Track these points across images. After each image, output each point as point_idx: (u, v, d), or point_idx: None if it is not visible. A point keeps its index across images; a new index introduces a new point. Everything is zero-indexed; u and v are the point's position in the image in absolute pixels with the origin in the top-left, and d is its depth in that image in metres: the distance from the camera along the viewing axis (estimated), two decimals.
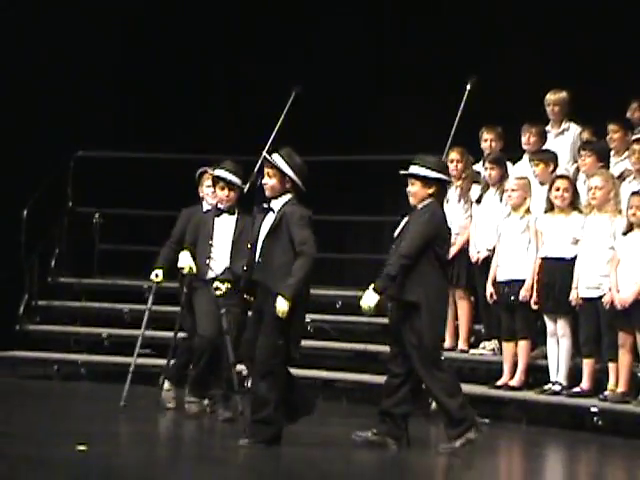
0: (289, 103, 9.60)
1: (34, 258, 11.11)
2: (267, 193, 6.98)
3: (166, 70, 12.39)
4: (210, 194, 8.41)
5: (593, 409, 8.18)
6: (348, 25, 11.78)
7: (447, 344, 9.25)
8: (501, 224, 8.91)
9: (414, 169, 7.21)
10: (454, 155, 9.20)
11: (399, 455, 7.08)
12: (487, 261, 9.06)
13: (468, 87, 8.74)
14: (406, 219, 7.26)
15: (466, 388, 8.99)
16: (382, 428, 7.18)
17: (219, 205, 8.28)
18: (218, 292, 7.98)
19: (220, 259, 8.24)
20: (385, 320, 10.30)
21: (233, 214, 8.26)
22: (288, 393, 7.00)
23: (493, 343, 9.20)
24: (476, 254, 9.18)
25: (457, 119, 8.63)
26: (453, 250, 9.22)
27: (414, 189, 7.19)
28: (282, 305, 6.75)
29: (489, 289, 8.87)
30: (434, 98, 10.78)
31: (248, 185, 8.91)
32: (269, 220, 6.99)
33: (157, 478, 6.17)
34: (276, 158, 6.99)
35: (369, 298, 7.01)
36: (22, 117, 11.75)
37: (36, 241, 11.11)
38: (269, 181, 6.97)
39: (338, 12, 11.78)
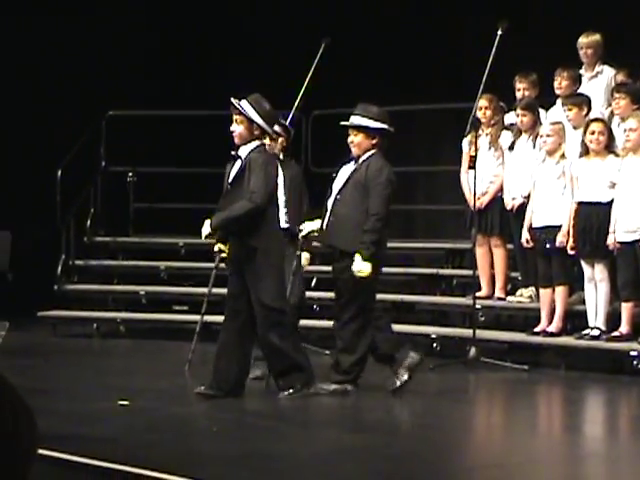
0: (319, 55, 9.51)
1: (70, 218, 11.15)
2: (235, 140, 6.82)
3: (195, 25, 12.35)
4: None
5: (632, 353, 8.14)
6: None
7: (484, 292, 9.24)
8: (536, 170, 8.84)
9: (357, 119, 7.15)
10: (482, 102, 9.11)
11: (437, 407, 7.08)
12: (522, 208, 9.00)
13: (499, 32, 8.61)
14: (350, 169, 7.14)
15: (504, 335, 9.04)
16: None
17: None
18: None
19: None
20: (421, 270, 10.42)
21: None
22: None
23: (530, 290, 9.16)
24: (511, 201, 9.13)
25: (488, 66, 8.52)
26: (486, 198, 9.18)
27: (357, 140, 7.12)
28: (205, 228, 6.79)
29: (525, 235, 8.82)
30: (465, 45, 10.69)
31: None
32: (235, 168, 6.88)
33: (199, 432, 6.22)
34: (244, 104, 6.81)
35: (364, 267, 6.93)
36: (53, 79, 11.78)
37: (71, 201, 11.15)
38: (237, 128, 6.80)
39: None
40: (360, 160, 7.16)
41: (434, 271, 10.22)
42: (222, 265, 7.37)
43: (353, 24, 11.52)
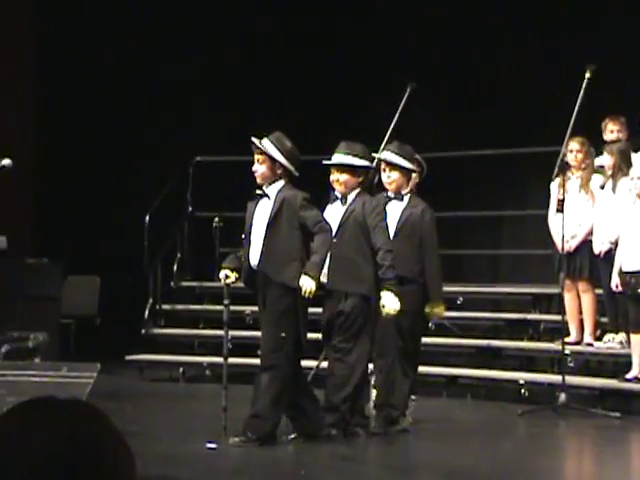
0: (404, 99, 9.50)
1: (157, 263, 11.25)
2: (258, 180, 6.65)
3: (281, 74, 12.44)
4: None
5: None
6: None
7: (573, 337, 9.07)
8: (626, 213, 8.68)
9: (343, 158, 7.03)
10: (574, 145, 9.00)
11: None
12: (611, 252, 8.84)
13: (587, 76, 8.52)
14: (339, 209, 7.00)
15: (595, 382, 8.85)
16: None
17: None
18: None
19: None
20: (508, 315, 10.28)
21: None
22: (300, 396, 6.68)
23: (620, 335, 8.97)
24: (600, 245, 8.97)
25: (576, 108, 8.43)
26: (576, 242, 9.04)
27: (343, 178, 6.97)
28: (309, 284, 6.38)
29: (615, 280, 8.65)
30: (550, 88, 10.61)
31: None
32: (265, 207, 6.65)
33: (286, 476, 6.16)
34: (265, 143, 6.66)
35: (393, 302, 6.78)
36: (143, 126, 11.96)
37: (158, 246, 11.26)
38: (259, 168, 6.64)
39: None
40: (349, 199, 7.03)
41: (521, 316, 10.08)
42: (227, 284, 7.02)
43: (437, 67, 11.50)
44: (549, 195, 9.21)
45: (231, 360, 10.58)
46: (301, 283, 6.47)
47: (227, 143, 11.80)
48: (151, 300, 11.22)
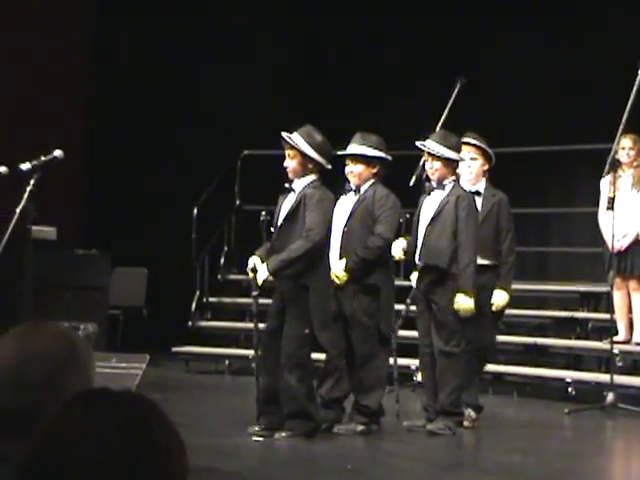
0: (454, 94, 9.44)
1: (204, 256, 11.28)
2: (290, 175, 6.58)
3: (328, 68, 12.43)
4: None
5: None
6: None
7: (621, 336, 8.97)
8: None
9: (357, 149, 6.96)
10: (626, 142, 8.89)
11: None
12: None
13: None
14: (351, 200, 6.97)
15: None
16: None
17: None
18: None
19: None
20: (556, 313, 10.19)
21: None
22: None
23: None
24: None
25: (629, 105, 8.32)
26: (627, 240, 8.93)
27: (358, 169, 6.92)
28: (262, 273, 6.42)
29: None
30: (598, 84, 10.51)
31: (414, 179, 8.79)
32: (289, 202, 6.62)
33: (333, 469, 6.15)
34: (295, 138, 6.58)
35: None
36: (192, 120, 11.99)
37: (206, 239, 11.29)
38: (290, 163, 6.57)
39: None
40: (362, 190, 6.99)
41: (569, 314, 9.98)
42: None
43: (485, 64, 11.42)
44: (599, 192, 9.11)
45: None
46: (259, 273, 6.51)
47: (275, 136, 11.81)
48: (198, 293, 11.26)
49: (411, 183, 8.60)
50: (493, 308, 7.34)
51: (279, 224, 6.65)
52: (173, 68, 12.13)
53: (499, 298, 7.40)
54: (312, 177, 6.60)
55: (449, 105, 9.34)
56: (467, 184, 7.45)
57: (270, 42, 12.57)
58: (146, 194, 11.92)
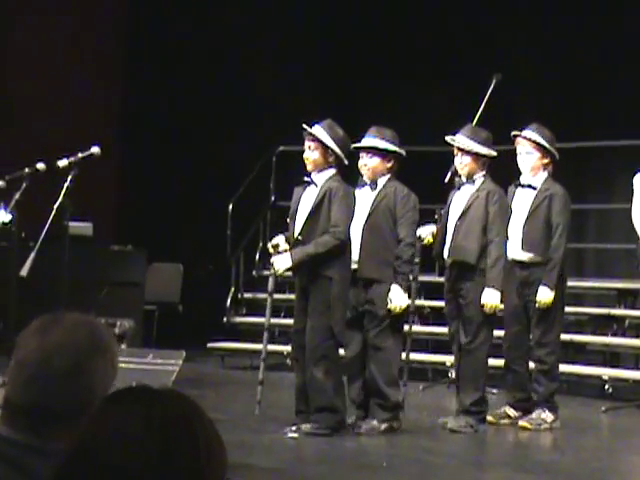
0: (490, 89, 9.37)
1: (239, 252, 11.30)
2: (309, 167, 6.57)
3: (362, 61, 12.41)
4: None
5: None
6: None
7: None
8: None
9: (373, 142, 6.91)
10: None
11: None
12: None
13: None
14: (369, 194, 6.90)
15: None
16: None
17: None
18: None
19: None
20: (592, 310, 10.12)
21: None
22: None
23: None
24: None
25: None
26: None
27: (373, 163, 6.88)
28: (284, 262, 6.42)
29: None
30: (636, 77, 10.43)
31: (449, 175, 8.75)
32: (311, 195, 6.60)
33: (368, 466, 6.15)
34: (317, 130, 6.56)
35: (401, 298, 6.74)
36: (228, 115, 12.01)
37: (241, 235, 11.31)
38: (311, 154, 6.56)
39: None
40: (380, 185, 6.94)
41: (605, 311, 9.91)
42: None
43: (521, 58, 11.37)
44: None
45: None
46: (274, 259, 6.55)
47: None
48: (233, 289, 11.28)
49: (446, 179, 8.56)
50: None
51: (304, 217, 6.63)
52: (210, 58, 12.13)
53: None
54: (332, 171, 6.59)
55: (484, 101, 9.28)
56: (526, 178, 7.39)
57: (302, 41, 12.55)
58: (182, 190, 11.96)
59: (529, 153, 7.40)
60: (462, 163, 7.15)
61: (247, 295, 11.41)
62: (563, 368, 9.39)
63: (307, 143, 6.65)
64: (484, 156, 7.15)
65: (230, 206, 11.22)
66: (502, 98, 9.45)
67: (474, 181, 7.15)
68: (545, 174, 7.42)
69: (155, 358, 6.27)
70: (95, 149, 6.12)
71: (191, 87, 12.11)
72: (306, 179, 6.69)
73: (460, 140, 7.14)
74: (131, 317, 9.17)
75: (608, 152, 10.78)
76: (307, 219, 6.59)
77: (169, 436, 1.63)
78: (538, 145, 7.40)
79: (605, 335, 9.83)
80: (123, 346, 8.20)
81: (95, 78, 11.83)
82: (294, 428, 6.71)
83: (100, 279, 9.59)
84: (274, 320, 11.32)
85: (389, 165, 6.91)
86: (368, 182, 6.97)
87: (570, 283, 10.33)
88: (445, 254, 7.16)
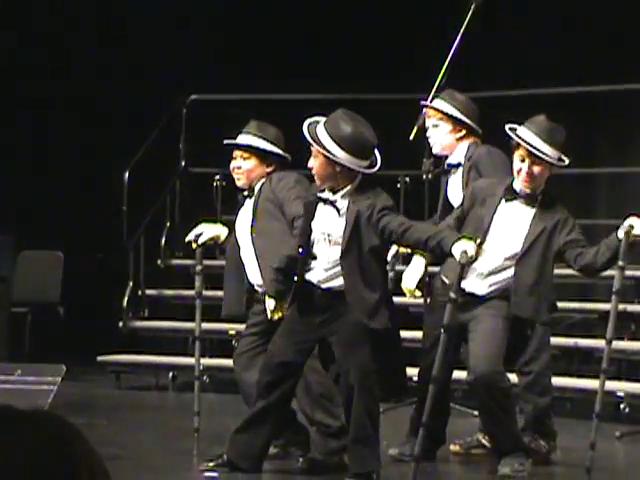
0: (467, 19, 9.45)
1: (139, 235, 11.27)
2: (317, 181, 6.73)
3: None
4: None
5: None
6: None
7: None
8: None
9: (250, 140, 7.23)
10: None
11: None
12: None
13: None
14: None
15: None
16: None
17: None
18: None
19: None
20: (603, 306, 10.25)
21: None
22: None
23: None
24: None
25: None
26: None
27: (248, 166, 7.24)
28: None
29: None
30: None
31: (415, 130, 8.83)
32: (330, 213, 6.78)
33: None
34: (320, 133, 6.62)
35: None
36: (117, 65, 12.00)
37: (141, 213, 11.27)
38: (314, 164, 6.73)
39: None
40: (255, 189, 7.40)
41: (621, 308, 10.04)
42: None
43: None
44: None
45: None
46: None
47: (228, 78, 11.83)
48: (131, 283, 11.26)
49: (411, 137, 8.65)
50: None
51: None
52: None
53: None
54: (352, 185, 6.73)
55: (460, 34, 9.35)
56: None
57: None
58: (60, 156, 11.91)
59: (435, 126, 7.61)
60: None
61: (150, 292, 11.40)
62: (566, 382, 9.54)
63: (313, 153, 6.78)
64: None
65: (126, 174, 11.19)
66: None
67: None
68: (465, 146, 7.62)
69: (25, 375, 6.27)
70: None
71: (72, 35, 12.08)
72: (320, 196, 6.84)
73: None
74: None
75: (620, 99, 10.91)
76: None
77: (42, 466, 1.65)
78: (447, 116, 7.59)
79: (620, 339, 9.96)
80: None
81: None
82: (212, 464, 6.77)
83: None
84: (187, 325, 11.37)
85: (268, 170, 7.27)
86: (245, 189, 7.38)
87: (574, 272, 10.50)
88: None
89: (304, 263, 6.68)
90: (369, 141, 6.60)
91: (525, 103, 10.41)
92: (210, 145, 11.43)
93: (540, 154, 6.96)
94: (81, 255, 11.32)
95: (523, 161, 7.01)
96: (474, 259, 6.73)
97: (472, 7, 9.48)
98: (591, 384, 9.37)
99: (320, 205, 6.68)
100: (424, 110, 7.74)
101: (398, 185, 10.54)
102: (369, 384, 6.57)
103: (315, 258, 6.63)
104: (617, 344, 9.88)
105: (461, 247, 6.46)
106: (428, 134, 7.69)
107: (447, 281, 7.09)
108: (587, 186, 11.71)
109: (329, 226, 6.64)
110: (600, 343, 9.94)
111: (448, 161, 7.67)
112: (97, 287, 11.40)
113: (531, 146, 6.96)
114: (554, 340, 10.03)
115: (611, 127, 11.52)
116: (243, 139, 7.34)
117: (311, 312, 6.72)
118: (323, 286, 6.65)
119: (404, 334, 9.93)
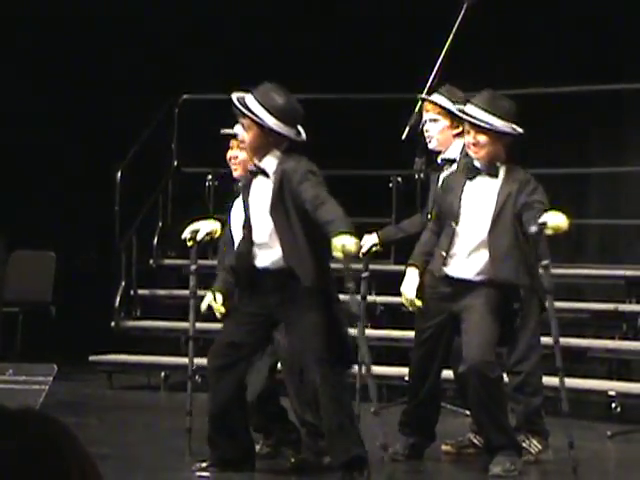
0: (458, 19, 9.47)
1: (131, 234, 11.27)
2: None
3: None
4: None
5: None
6: None
7: None
8: None
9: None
10: None
11: None
12: None
13: None
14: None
15: None
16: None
17: None
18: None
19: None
20: (595, 305, 10.27)
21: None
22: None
23: None
24: None
25: None
26: None
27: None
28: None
29: None
30: None
31: (407, 129, 8.84)
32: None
33: None
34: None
35: None
36: (115, 62, 11.99)
37: (134, 212, 11.27)
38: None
39: None
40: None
41: (612, 307, 10.07)
42: None
43: None
44: None
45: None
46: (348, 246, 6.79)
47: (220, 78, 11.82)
48: (123, 283, 11.26)
49: (403, 136, 8.67)
50: None
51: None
52: None
53: None
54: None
55: (452, 34, 9.38)
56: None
57: None
58: (52, 155, 11.90)
59: (433, 120, 7.63)
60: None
61: (142, 292, 11.40)
62: (557, 382, 9.55)
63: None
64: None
65: (118, 173, 11.19)
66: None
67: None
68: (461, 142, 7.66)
69: (17, 374, 6.27)
70: None
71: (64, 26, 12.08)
72: None
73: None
74: None
75: (617, 99, 10.92)
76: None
77: (31, 465, 1.66)
78: (445, 110, 7.63)
79: (611, 338, 9.98)
80: None
81: None
82: (204, 464, 6.79)
83: None
84: (179, 324, 11.37)
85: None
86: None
87: (566, 271, 10.53)
88: None
89: (247, 250, 6.76)
90: (298, 110, 6.83)
91: (522, 102, 10.45)
92: (202, 145, 11.49)
93: (478, 122, 7.10)
94: (73, 255, 11.31)
95: (469, 134, 7.16)
96: (354, 255, 6.87)
97: (464, 7, 9.53)
98: (582, 384, 9.42)
99: (254, 181, 6.82)
100: (423, 105, 7.74)
101: (390, 185, 10.56)
102: (326, 372, 6.59)
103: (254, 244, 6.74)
104: (608, 343, 9.94)
105: (340, 241, 6.50)
106: (426, 128, 7.68)
107: (436, 274, 7.16)
108: (580, 185, 11.73)
109: (264, 194, 6.76)
110: (592, 342, 10.00)
111: (443, 156, 7.68)
112: (89, 287, 11.40)
113: (470, 116, 7.13)
114: (544, 340, 10.06)
115: (605, 127, 11.53)
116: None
117: (259, 293, 6.80)
118: (264, 266, 6.73)
119: (396, 333, 10.04)
